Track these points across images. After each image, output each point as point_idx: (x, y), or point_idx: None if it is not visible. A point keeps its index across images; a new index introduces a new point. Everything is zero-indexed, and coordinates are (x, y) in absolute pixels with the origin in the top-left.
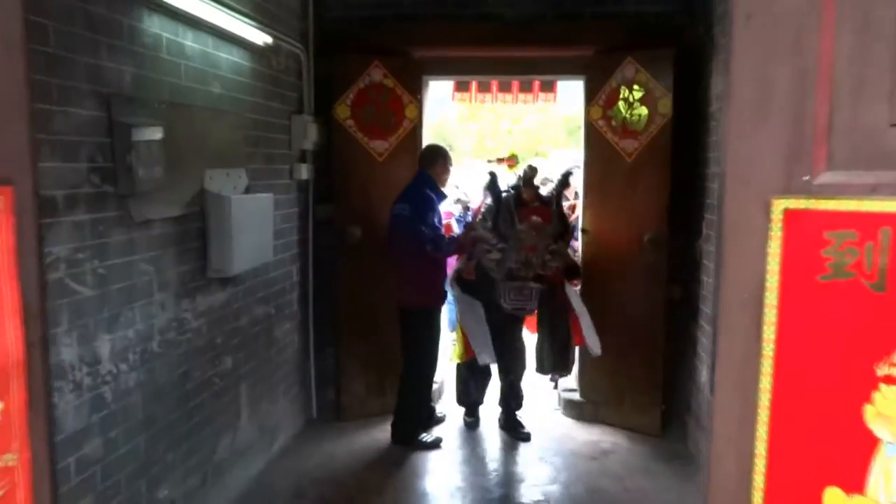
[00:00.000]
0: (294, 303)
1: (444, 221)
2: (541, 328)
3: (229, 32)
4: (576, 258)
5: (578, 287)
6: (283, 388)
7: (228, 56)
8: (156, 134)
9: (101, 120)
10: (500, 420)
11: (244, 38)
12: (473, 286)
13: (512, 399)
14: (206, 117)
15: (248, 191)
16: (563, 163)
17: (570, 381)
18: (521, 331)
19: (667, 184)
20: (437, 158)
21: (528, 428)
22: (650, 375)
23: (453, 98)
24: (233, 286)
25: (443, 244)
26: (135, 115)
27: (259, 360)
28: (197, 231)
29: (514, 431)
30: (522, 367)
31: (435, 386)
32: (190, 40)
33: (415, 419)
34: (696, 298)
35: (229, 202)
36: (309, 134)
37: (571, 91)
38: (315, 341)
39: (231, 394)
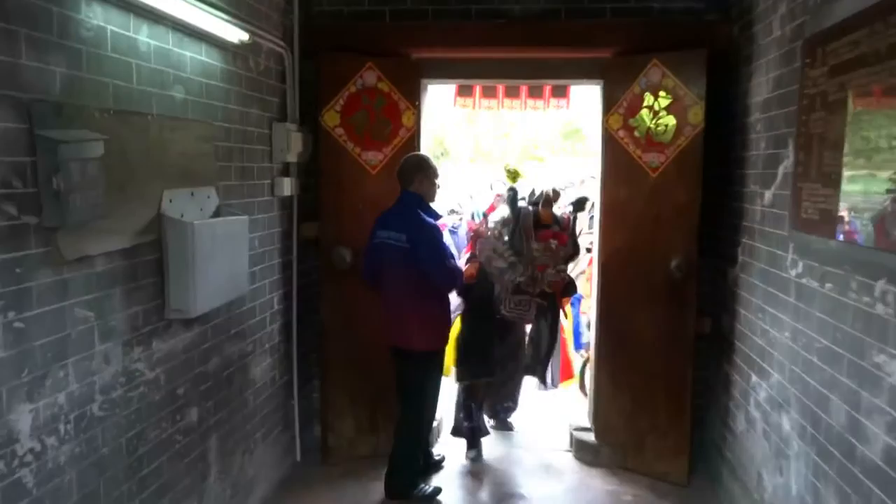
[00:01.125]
0: (275, 335)
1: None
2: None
3: (196, 27)
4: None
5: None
6: (261, 433)
7: (195, 55)
8: (94, 150)
9: (18, 134)
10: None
11: (215, 35)
12: (471, 288)
13: (503, 401)
14: (165, 128)
15: (218, 212)
16: (562, 172)
17: (583, 418)
18: (520, 330)
19: (697, 203)
20: (416, 174)
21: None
22: (676, 418)
23: (455, 103)
24: (200, 325)
25: (460, 278)
26: (66, 127)
27: (232, 407)
28: (153, 265)
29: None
30: (516, 365)
31: (434, 423)
32: (145, 35)
33: (413, 469)
34: (730, 333)
35: (191, 229)
36: (293, 144)
37: (574, 95)
38: (299, 376)
39: (197, 451)
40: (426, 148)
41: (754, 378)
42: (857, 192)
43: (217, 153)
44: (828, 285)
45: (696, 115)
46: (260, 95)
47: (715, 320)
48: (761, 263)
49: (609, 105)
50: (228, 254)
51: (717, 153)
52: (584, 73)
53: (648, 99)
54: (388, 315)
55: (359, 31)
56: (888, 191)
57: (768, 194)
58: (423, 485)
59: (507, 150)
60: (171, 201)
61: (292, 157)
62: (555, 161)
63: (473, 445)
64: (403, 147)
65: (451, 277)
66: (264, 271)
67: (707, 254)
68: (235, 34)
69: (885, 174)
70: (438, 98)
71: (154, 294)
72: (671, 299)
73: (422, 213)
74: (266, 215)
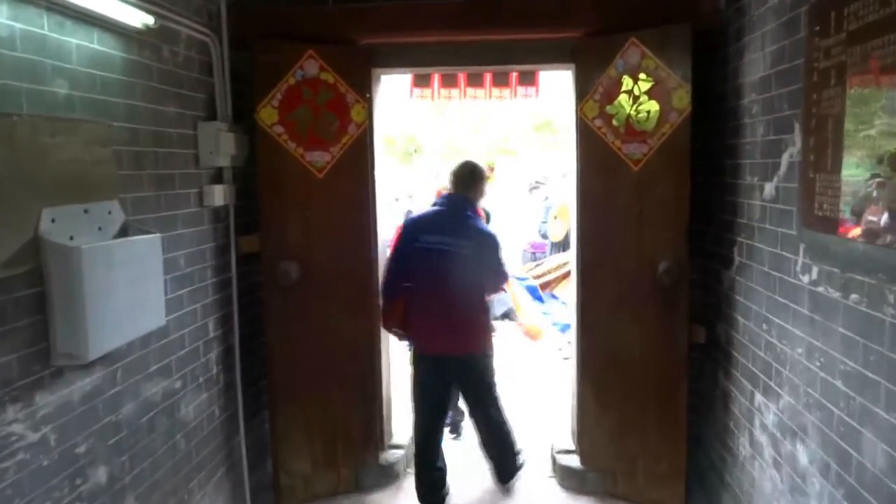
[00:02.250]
0: (212, 365)
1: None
2: None
3: (82, 7)
4: None
5: None
6: (200, 479)
7: (85, 42)
8: None
9: None
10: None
11: (109, 18)
12: None
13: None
14: (41, 131)
15: (126, 231)
16: (537, 167)
17: (566, 440)
18: None
19: (686, 198)
20: (480, 181)
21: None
22: (669, 439)
23: (411, 95)
24: (104, 366)
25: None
26: None
27: (157, 457)
28: (30, 301)
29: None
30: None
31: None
32: (5, 17)
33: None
34: (728, 343)
35: (78, 255)
36: (223, 146)
37: (543, 83)
38: (246, 407)
39: None
40: (380, 145)
41: (759, 397)
42: None
43: (120, 159)
44: (853, 296)
45: (682, 98)
46: (179, 90)
47: (709, 329)
48: (764, 266)
49: (583, 92)
50: (135, 281)
51: (705, 142)
52: (553, 56)
53: (627, 83)
54: (437, 323)
55: (297, 16)
56: None
57: (770, 187)
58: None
59: (478, 144)
60: (53, 221)
61: (224, 161)
62: (529, 155)
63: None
64: (354, 146)
65: (505, 281)
66: (194, 294)
67: (697, 254)
68: (138, 17)
69: None
70: (401, 91)
71: (34, 337)
72: (660, 306)
73: (477, 219)
74: (194, 229)
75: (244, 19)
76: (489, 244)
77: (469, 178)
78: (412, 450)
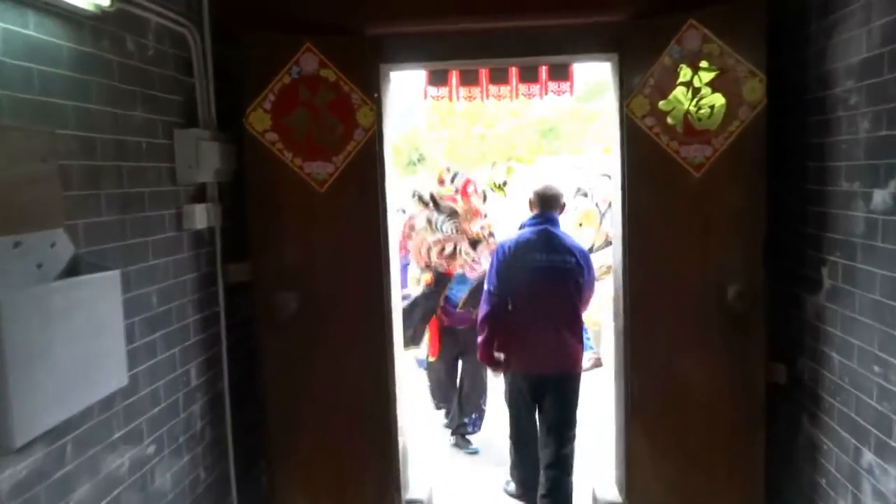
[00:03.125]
0: (195, 420)
1: None
2: None
3: None
4: None
5: None
6: None
7: (15, 27)
8: None
9: None
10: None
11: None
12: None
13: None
14: None
15: (76, 268)
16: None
17: (612, 491)
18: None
19: (762, 208)
20: (562, 200)
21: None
22: (742, 495)
23: (426, 95)
24: (48, 444)
25: None
26: None
27: None
28: None
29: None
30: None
31: None
32: None
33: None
34: (814, 382)
35: None
36: (206, 158)
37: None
38: (237, 465)
39: None
40: (389, 154)
41: (870, 456)
42: None
43: (69, 177)
44: None
45: (755, 90)
46: (149, 92)
47: (792, 366)
48: (873, 294)
49: (629, 86)
50: (83, 333)
51: (777, 141)
52: (592, 45)
53: (685, 73)
54: (543, 340)
55: (293, 2)
56: None
57: (882, 196)
58: None
59: (484, 152)
60: None
61: (206, 176)
62: (543, 162)
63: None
64: (360, 154)
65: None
66: (171, 337)
67: (779, 276)
68: None
69: None
70: (413, 90)
71: None
72: (730, 338)
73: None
74: (170, 258)
75: (230, 8)
76: (587, 259)
77: (556, 198)
78: None
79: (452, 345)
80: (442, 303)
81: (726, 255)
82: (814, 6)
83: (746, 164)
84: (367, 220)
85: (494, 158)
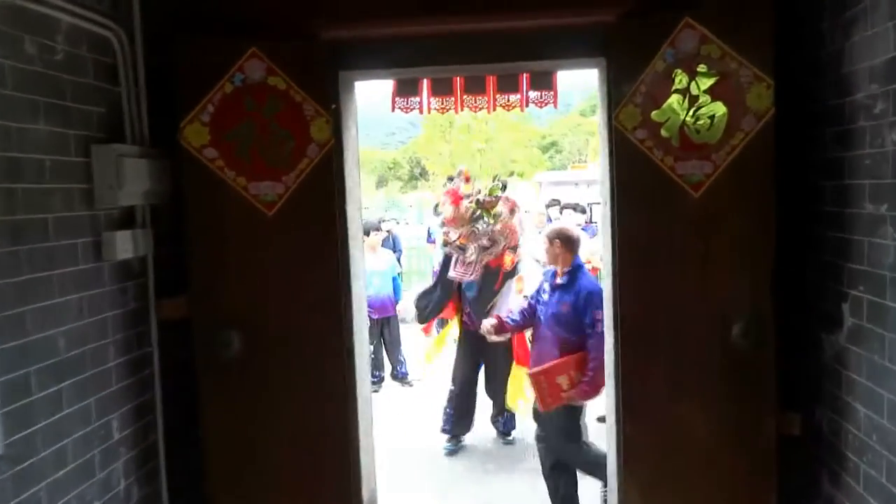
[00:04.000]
0: (117, 480)
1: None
2: None
3: None
4: None
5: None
6: None
7: None
8: None
9: None
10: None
11: None
12: None
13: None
14: None
15: None
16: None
17: None
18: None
19: (771, 232)
20: None
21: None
22: None
23: (394, 107)
24: None
25: None
26: None
27: None
28: None
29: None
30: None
31: None
32: None
33: None
34: (834, 436)
35: None
36: (133, 177)
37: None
38: None
39: None
40: (354, 172)
41: None
42: None
43: None
44: None
45: (762, 97)
46: (57, 102)
47: (808, 416)
48: None
49: (617, 94)
50: None
51: (800, 154)
52: (577, 48)
53: (680, 79)
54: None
55: (237, 2)
56: None
57: None
58: None
59: (484, 166)
60: None
61: (133, 198)
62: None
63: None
64: (315, 172)
65: None
66: (85, 386)
67: (789, 310)
68: None
69: None
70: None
71: None
72: (736, 381)
73: None
74: (84, 295)
75: (166, 8)
76: (590, 285)
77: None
78: None
79: (475, 350)
80: (466, 308)
81: (730, 286)
82: (825, 2)
83: (752, 183)
84: (324, 247)
85: (494, 172)
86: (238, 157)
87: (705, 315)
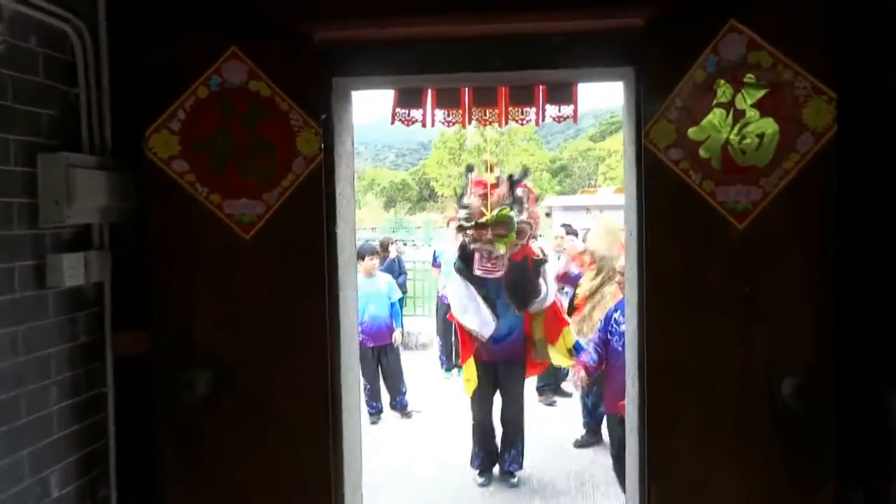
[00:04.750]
0: None
1: None
2: None
3: None
4: None
5: None
6: None
7: None
8: None
9: None
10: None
11: None
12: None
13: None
14: None
15: None
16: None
17: None
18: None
19: (829, 272)
20: None
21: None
22: None
23: (394, 119)
24: None
25: None
26: None
27: None
28: None
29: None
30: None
31: None
32: None
33: None
34: None
35: None
36: (86, 192)
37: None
38: None
39: None
40: (348, 191)
41: None
42: None
43: None
44: None
45: (822, 112)
46: None
47: (868, 488)
48: None
49: (648, 108)
50: None
51: (855, 182)
52: (600, 55)
53: (724, 91)
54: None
55: None
56: None
57: None
58: None
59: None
60: None
61: (86, 216)
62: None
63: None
64: (302, 191)
65: None
66: (13, 438)
67: (853, 366)
68: None
69: None
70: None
71: None
72: (786, 448)
73: None
74: (18, 329)
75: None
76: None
77: None
78: None
79: (491, 379)
80: (477, 337)
81: (780, 335)
82: None
83: (809, 214)
84: (310, 276)
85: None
86: (212, 170)
87: (748, 368)
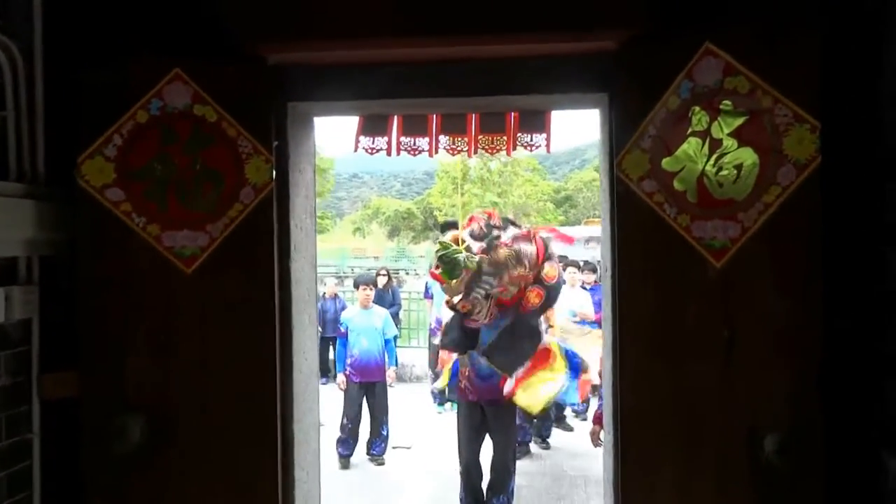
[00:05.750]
0: None
1: None
2: None
3: None
4: None
5: None
6: None
7: None
8: None
9: None
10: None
11: None
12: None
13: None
14: None
15: None
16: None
17: None
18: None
19: (817, 318)
20: None
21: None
22: None
23: (357, 146)
24: None
25: None
26: None
27: None
28: None
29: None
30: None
31: None
32: None
33: None
34: None
35: None
36: (7, 222)
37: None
38: None
39: None
40: (308, 223)
41: None
42: None
43: None
44: None
45: (804, 142)
46: None
47: None
48: None
49: (621, 136)
50: None
51: (840, 218)
52: (572, 80)
53: (699, 119)
54: None
55: (157, 12)
56: None
57: None
58: None
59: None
60: None
61: (8, 248)
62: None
63: None
64: (250, 222)
65: None
66: None
67: (842, 418)
68: None
69: None
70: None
71: None
72: None
73: None
74: None
75: (75, 21)
76: None
77: None
78: None
79: (478, 422)
80: (466, 373)
81: (762, 385)
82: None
83: (792, 251)
84: (258, 313)
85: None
86: (150, 200)
87: (727, 422)
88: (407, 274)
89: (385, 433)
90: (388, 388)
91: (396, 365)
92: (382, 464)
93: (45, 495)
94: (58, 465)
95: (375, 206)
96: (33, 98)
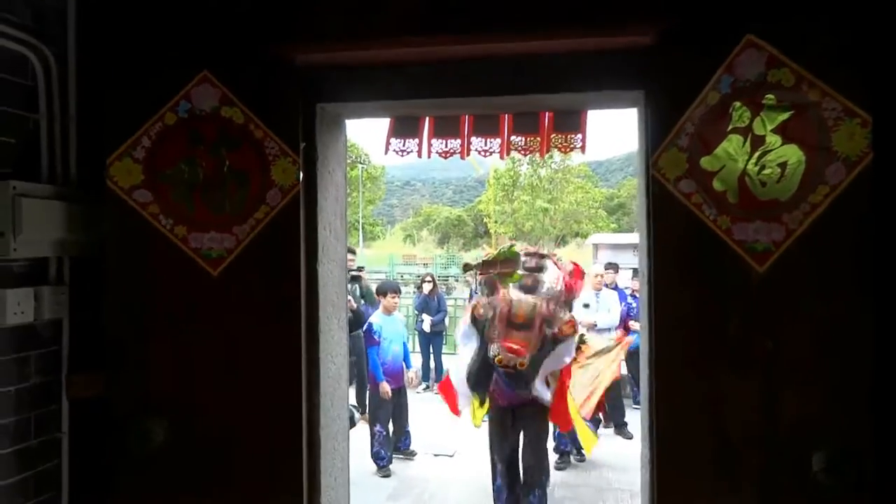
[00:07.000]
0: None
1: None
2: None
3: None
4: None
5: None
6: None
7: None
8: None
9: None
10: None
11: None
12: None
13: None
14: None
15: None
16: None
17: None
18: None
19: (868, 328)
20: None
21: None
22: None
23: (387, 149)
24: None
25: None
26: None
27: None
28: None
29: None
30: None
31: None
32: None
33: None
34: None
35: None
36: (38, 223)
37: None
38: None
39: None
40: (339, 227)
41: None
42: None
43: None
44: None
45: (854, 137)
46: None
47: None
48: None
49: (657, 134)
50: None
51: (892, 218)
52: (607, 77)
53: (740, 115)
54: None
55: (186, 15)
56: None
57: None
58: None
59: (546, 227)
60: None
61: (38, 249)
62: (601, 239)
63: None
64: (277, 224)
65: None
66: None
67: (886, 437)
68: None
69: None
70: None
71: None
72: None
73: None
74: None
75: (108, 26)
76: None
77: None
78: None
79: (511, 424)
80: (496, 379)
81: (808, 399)
82: None
83: (840, 255)
84: (282, 317)
85: (559, 233)
86: (177, 202)
87: (772, 438)
88: (457, 280)
89: (409, 430)
90: (433, 396)
91: (410, 367)
92: (415, 454)
93: (72, 494)
94: (84, 464)
95: (426, 213)
96: (66, 102)
